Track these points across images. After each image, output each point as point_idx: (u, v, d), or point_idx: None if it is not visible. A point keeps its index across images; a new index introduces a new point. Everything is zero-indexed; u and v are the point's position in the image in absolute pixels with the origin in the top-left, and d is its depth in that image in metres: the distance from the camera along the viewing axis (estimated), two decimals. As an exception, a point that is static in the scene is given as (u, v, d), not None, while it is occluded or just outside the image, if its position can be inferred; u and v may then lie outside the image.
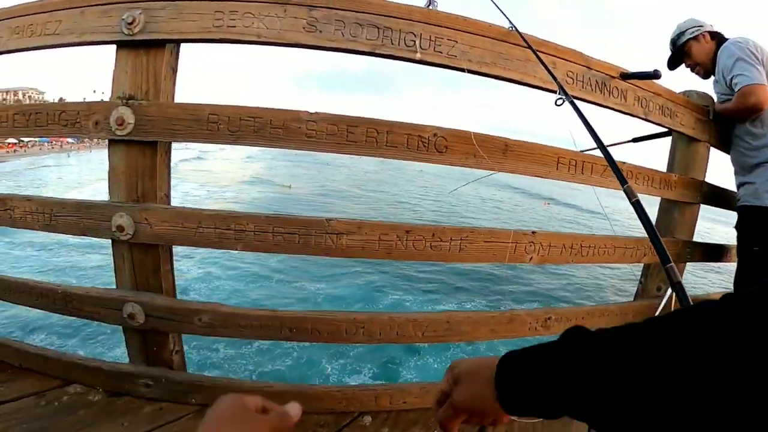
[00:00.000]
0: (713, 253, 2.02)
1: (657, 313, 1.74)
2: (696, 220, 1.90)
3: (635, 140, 2.26)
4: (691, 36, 1.96)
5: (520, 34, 1.30)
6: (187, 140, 1.16)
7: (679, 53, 2.02)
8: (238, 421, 0.47)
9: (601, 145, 1.13)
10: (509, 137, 1.32)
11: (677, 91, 1.82)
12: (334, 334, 1.23)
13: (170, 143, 1.25)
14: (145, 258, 1.25)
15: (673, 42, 2.03)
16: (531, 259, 1.33)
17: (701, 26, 1.96)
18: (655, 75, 1.53)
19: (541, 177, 1.32)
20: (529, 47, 1.28)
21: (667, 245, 1.74)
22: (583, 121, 1.20)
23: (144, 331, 1.30)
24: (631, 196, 0.95)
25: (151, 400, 1.33)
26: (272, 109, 1.13)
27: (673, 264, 0.80)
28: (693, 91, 1.87)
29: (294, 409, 0.55)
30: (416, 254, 1.20)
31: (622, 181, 0.99)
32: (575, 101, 1.24)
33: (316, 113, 1.12)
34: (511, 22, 1.33)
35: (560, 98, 1.23)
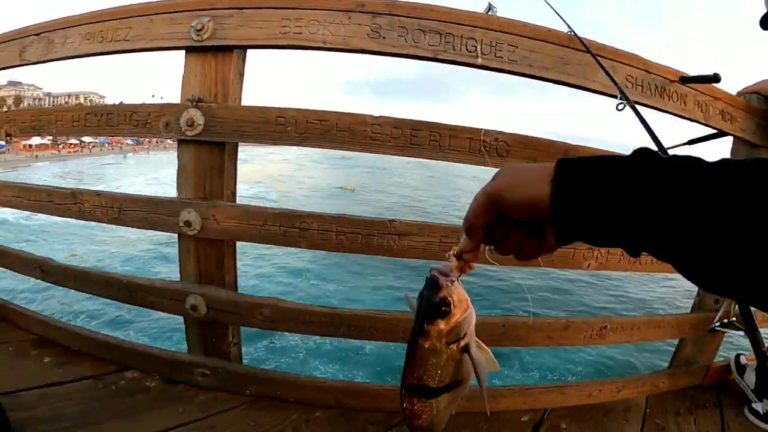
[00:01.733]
0: None
1: (718, 316, 1.69)
2: None
3: (690, 142, 2.19)
4: None
5: (579, 38, 1.29)
6: (255, 141, 1.21)
7: None
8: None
9: (662, 149, 1.12)
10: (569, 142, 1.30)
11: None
12: (390, 333, 1.25)
13: (237, 144, 1.30)
14: (209, 252, 1.30)
15: None
16: (589, 265, 1.32)
17: None
18: (715, 79, 1.49)
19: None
20: (589, 51, 1.27)
21: None
22: (644, 125, 1.19)
23: (205, 322, 1.36)
24: None
25: (206, 389, 1.39)
26: (338, 112, 1.17)
27: None
28: (753, 95, 1.81)
29: None
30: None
31: None
32: (636, 106, 1.23)
33: (381, 117, 1.15)
34: (569, 27, 1.32)
35: (621, 103, 1.22)
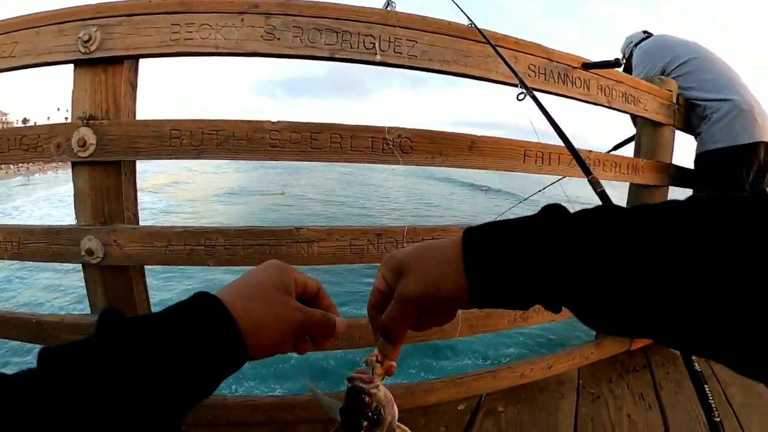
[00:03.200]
0: None
1: None
2: (666, 197, 1.94)
3: (615, 148, 2.31)
4: None
5: (479, 30, 1.31)
6: (151, 157, 1.14)
7: None
8: (269, 300, 0.41)
9: (563, 136, 1.15)
10: (477, 133, 1.32)
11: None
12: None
13: (134, 162, 1.22)
14: (117, 280, 1.22)
15: None
16: None
17: None
18: (616, 63, 1.56)
19: (509, 171, 1.34)
20: (488, 43, 1.29)
21: None
22: (544, 113, 1.22)
23: None
24: (596, 186, 0.96)
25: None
26: (234, 120, 1.12)
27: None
28: (657, 77, 1.92)
29: (340, 322, 0.47)
30: (360, 256, 1.20)
31: (587, 172, 1.00)
32: (538, 94, 1.26)
33: (279, 122, 1.12)
34: (470, 19, 1.34)
35: (522, 92, 1.25)
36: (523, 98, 1.26)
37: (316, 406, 1.30)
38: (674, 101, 1.89)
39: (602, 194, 0.93)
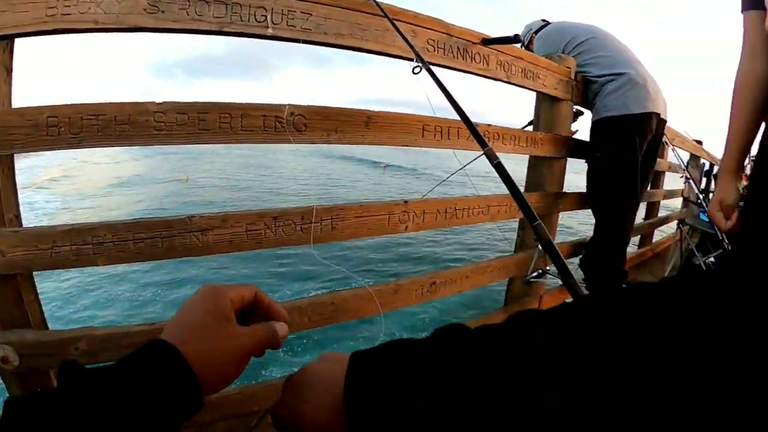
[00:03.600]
0: (583, 199, 2.23)
1: (531, 266, 1.91)
2: (564, 172, 2.08)
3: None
4: None
5: (376, 3, 1.30)
6: (28, 150, 1.00)
7: None
8: (215, 337, 0.40)
9: (459, 109, 1.19)
10: (375, 109, 1.33)
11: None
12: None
13: (11, 157, 1.09)
14: (4, 291, 1.10)
15: None
16: (406, 228, 1.39)
17: None
18: (516, 39, 1.62)
19: (408, 146, 1.36)
20: (386, 16, 1.28)
21: (539, 198, 1.90)
22: (440, 87, 1.25)
23: (23, 374, 1.15)
24: (492, 158, 1.00)
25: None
26: (116, 103, 1.03)
27: (540, 222, 0.84)
28: (556, 54, 2.01)
29: (282, 329, 0.47)
30: (287, 239, 1.19)
31: (482, 144, 1.04)
32: (436, 69, 1.28)
33: (164, 102, 1.05)
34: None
35: (417, 66, 1.26)
36: (419, 71, 1.27)
37: (233, 402, 1.29)
38: (572, 77, 1.99)
39: (498, 166, 0.97)
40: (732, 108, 1.15)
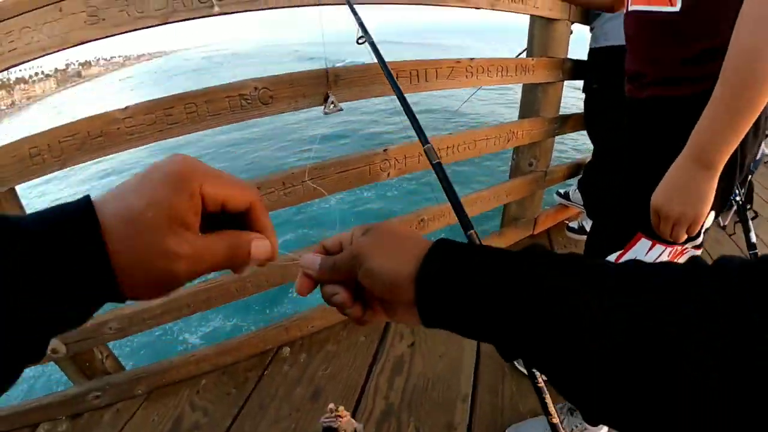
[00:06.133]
0: (582, 122, 2.14)
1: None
2: (560, 95, 1.98)
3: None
4: None
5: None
6: (23, 181, 1.09)
7: None
8: (147, 231, 0.29)
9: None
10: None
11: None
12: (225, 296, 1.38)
13: (12, 190, 1.13)
14: None
15: None
16: (388, 174, 1.44)
17: None
18: None
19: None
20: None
21: (531, 125, 1.87)
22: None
23: (72, 357, 1.36)
24: (432, 158, 0.89)
25: (107, 407, 1.44)
26: (85, 119, 1.08)
27: (473, 231, 0.79)
28: None
29: (261, 248, 0.36)
30: (273, 205, 1.26)
31: (424, 141, 0.94)
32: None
33: (128, 108, 1.10)
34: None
35: (361, 37, 1.15)
36: (363, 43, 1.16)
37: (248, 344, 1.48)
38: None
39: (437, 166, 0.88)
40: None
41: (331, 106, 1.28)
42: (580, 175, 2.17)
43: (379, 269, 0.37)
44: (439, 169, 0.86)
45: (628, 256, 0.99)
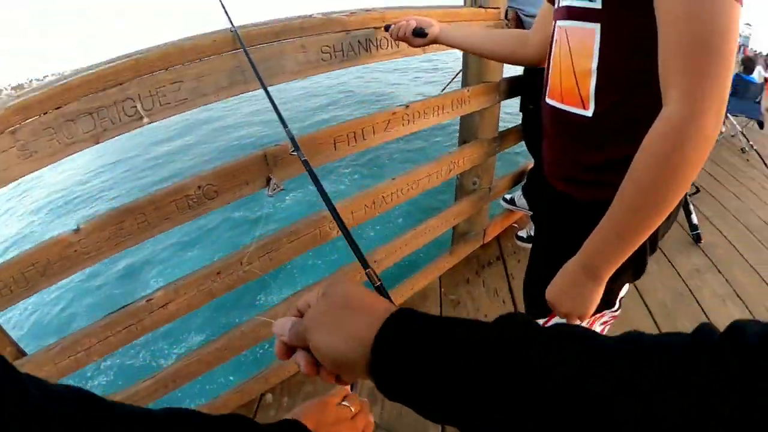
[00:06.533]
0: (519, 135, 2.21)
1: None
2: (498, 114, 2.02)
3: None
4: None
5: (238, 36, 1.24)
6: None
7: None
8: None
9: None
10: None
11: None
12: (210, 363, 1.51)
13: None
14: None
15: None
16: (337, 232, 1.49)
17: None
18: (421, 33, 1.36)
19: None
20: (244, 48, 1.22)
21: (474, 149, 1.94)
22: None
23: None
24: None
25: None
26: (42, 247, 1.10)
27: (371, 269, 0.72)
28: None
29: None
30: (235, 284, 1.38)
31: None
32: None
33: (80, 229, 1.13)
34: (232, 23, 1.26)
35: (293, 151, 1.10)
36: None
37: (233, 399, 1.61)
38: (503, 17, 1.80)
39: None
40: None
41: (275, 188, 1.35)
42: (524, 181, 2.29)
43: (326, 348, 0.37)
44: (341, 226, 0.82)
45: (552, 322, 1.09)
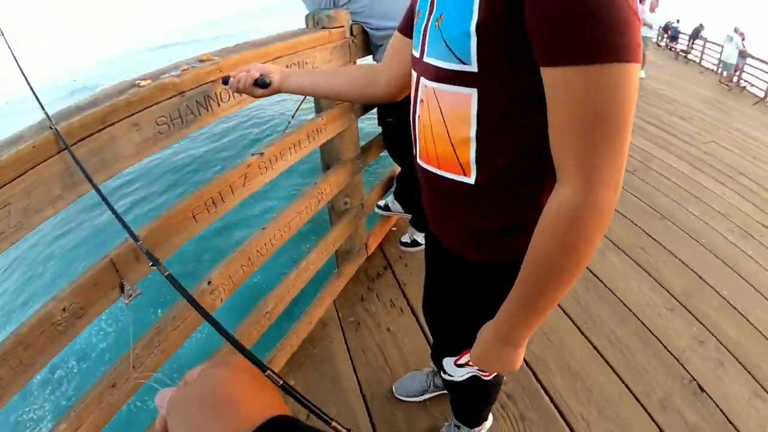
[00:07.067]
0: (381, 145, 2.27)
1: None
2: (357, 131, 2.03)
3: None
4: None
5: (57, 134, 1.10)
6: None
7: None
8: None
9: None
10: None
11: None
12: None
13: None
14: None
15: None
16: (221, 299, 1.42)
17: None
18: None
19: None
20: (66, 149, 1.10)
21: (339, 173, 1.93)
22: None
23: None
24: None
25: None
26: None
27: (270, 371, 0.61)
28: (325, 14, 1.69)
29: None
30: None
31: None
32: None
33: None
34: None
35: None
36: None
37: None
38: (348, 34, 1.77)
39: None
40: None
41: (129, 294, 1.24)
42: (395, 186, 2.39)
43: None
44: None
45: (464, 359, 1.12)
